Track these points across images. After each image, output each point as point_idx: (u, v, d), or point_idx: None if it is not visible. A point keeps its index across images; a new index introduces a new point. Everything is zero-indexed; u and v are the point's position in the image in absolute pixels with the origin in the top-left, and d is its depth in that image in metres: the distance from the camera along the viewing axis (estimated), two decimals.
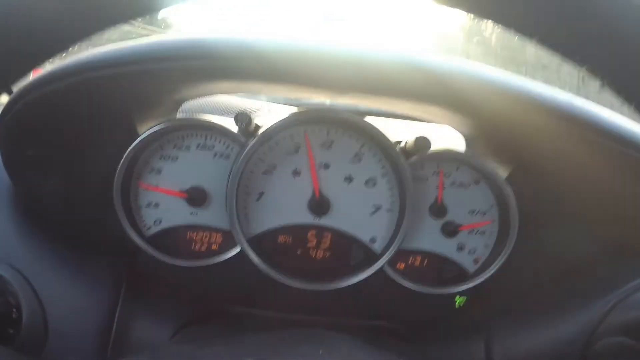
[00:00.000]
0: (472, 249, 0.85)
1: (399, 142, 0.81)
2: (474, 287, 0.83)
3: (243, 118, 0.74)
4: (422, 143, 0.75)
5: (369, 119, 0.81)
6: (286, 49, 0.64)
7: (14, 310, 0.78)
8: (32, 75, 0.69)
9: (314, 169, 0.80)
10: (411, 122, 1.08)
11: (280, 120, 0.76)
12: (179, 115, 0.88)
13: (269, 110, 1.01)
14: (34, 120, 0.72)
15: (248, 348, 0.55)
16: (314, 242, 0.83)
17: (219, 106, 0.96)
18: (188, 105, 0.93)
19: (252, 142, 0.76)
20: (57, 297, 0.79)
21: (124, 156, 0.77)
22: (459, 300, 0.86)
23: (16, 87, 0.74)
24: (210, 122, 0.78)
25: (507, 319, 0.85)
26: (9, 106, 0.69)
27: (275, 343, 0.57)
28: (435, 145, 0.81)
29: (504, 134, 0.77)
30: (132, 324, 0.82)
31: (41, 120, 0.72)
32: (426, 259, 0.85)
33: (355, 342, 0.58)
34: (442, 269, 0.86)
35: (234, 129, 0.78)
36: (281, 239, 0.82)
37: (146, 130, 0.77)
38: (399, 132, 0.91)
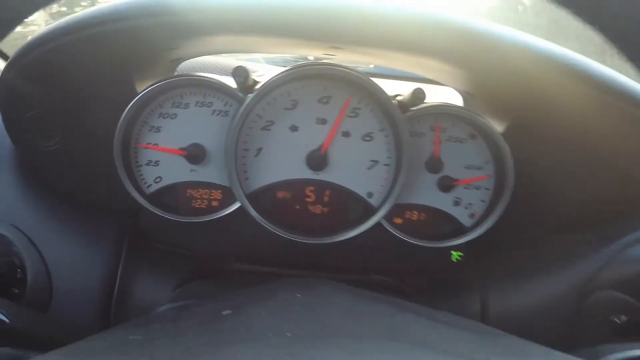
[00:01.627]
0: (468, 204, 0.86)
1: (396, 95, 0.81)
2: (470, 241, 0.85)
3: (241, 72, 0.74)
4: (418, 95, 0.76)
5: None
6: (286, 2, 0.64)
7: (19, 270, 0.80)
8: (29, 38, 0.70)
9: (337, 126, 0.81)
10: (406, 82, 1.08)
11: (277, 75, 0.77)
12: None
13: (266, 71, 1.01)
14: (33, 82, 0.73)
15: (228, 302, 0.56)
16: (313, 197, 0.84)
17: (216, 67, 0.97)
18: (185, 65, 0.94)
19: (250, 98, 0.77)
20: (60, 257, 0.80)
21: (123, 114, 0.78)
22: (455, 255, 0.88)
23: (12, 50, 0.74)
24: (209, 79, 0.79)
25: (503, 274, 0.87)
26: (7, 69, 0.70)
27: (255, 294, 0.58)
28: (432, 102, 0.82)
29: (501, 89, 0.78)
30: (134, 281, 0.83)
31: (40, 81, 0.73)
32: (423, 213, 0.86)
33: (330, 282, 0.60)
34: (439, 224, 0.87)
35: (233, 85, 0.79)
36: (280, 194, 0.84)
37: (145, 88, 0.78)
38: (394, 90, 0.91)
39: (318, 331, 0.45)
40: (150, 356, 0.42)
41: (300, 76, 0.78)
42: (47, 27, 0.69)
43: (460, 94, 0.90)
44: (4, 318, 0.65)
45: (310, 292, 0.57)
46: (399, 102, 0.79)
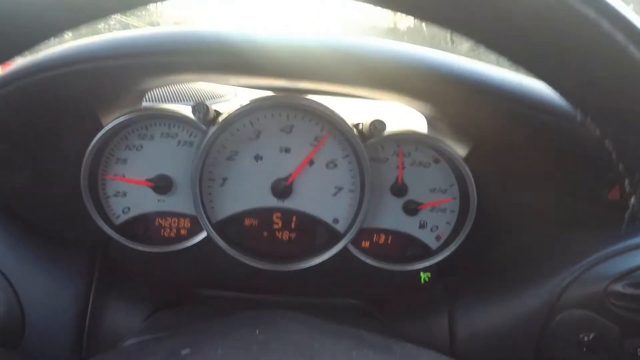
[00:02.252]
0: (434, 227, 0.87)
1: (359, 124, 0.82)
2: (438, 263, 0.86)
3: (200, 109, 0.76)
4: (377, 127, 0.77)
5: (330, 99, 0.83)
6: (245, 42, 0.65)
7: None
8: None
9: (308, 160, 0.82)
10: (374, 101, 1.09)
11: (239, 108, 0.78)
12: (144, 103, 0.89)
13: (235, 94, 1.02)
14: (0, 118, 0.73)
15: (189, 339, 0.57)
16: (279, 224, 0.85)
17: (184, 92, 0.98)
18: (153, 92, 0.95)
19: (212, 130, 0.78)
20: (32, 289, 0.81)
21: (89, 148, 0.78)
22: (423, 277, 0.89)
23: None
24: (172, 111, 0.80)
25: (471, 294, 0.88)
26: None
27: (214, 331, 0.59)
28: (396, 125, 0.83)
29: (460, 117, 0.79)
30: (105, 313, 0.84)
31: (6, 118, 0.74)
32: (390, 237, 0.87)
33: (294, 316, 0.61)
34: (406, 247, 0.88)
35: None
36: (247, 222, 0.85)
37: (110, 121, 0.79)
38: (361, 110, 0.92)
39: None
40: None
41: (262, 107, 0.79)
42: (16, 65, 0.70)
43: (425, 117, 0.91)
44: None
45: (269, 329, 0.58)
46: (360, 131, 0.80)
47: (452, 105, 0.75)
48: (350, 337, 0.58)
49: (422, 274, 0.89)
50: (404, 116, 0.93)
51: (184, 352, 0.52)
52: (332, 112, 0.78)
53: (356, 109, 0.95)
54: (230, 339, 0.54)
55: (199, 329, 0.60)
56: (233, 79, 0.85)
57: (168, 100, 0.95)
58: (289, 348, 0.52)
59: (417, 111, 0.89)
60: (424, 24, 0.33)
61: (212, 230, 0.81)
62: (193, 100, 0.94)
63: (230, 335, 0.55)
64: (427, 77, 0.67)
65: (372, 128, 0.77)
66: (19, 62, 0.70)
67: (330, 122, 0.80)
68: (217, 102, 0.97)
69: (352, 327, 0.62)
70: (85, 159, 0.79)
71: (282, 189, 0.81)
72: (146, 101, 0.91)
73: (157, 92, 0.94)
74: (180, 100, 0.95)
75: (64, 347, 0.80)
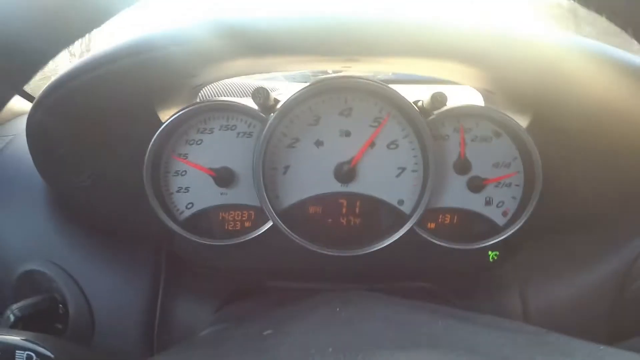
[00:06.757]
0: (499, 202, 0.85)
1: (418, 101, 0.81)
2: (505, 240, 0.84)
3: (260, 93, 0.75)
4: (439, 98, 0.76)
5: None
6: (302, 21, 0.65)
7: (60, 305, 0.81)
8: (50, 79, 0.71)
9: (371, 140, 0.81)
10: (426, 86, 1.08)
11: (298, 92, 0.78)
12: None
13: (285, 89, 1.02)
14: (60, 120, 0.74)
15: (269, 322, 0.56)
16: (344, 209, 0.84)
17: (236, 89, 0.98)
18: (206, 92, 0.95)
19: (272, 117, 0.78)
20: (100, 288, 0.82)
21: (151, 144, 0.79)
22: (492, 255, 0.87)
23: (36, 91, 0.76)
24: (231, 102, 0.80)
25: (541, 270, 0.86)
26: (34, 109, 0.71)
27: (295, 312, 0.58)
28: (453, 104, 0.82)
29: (522, 83, 0.77)
30: (174, 307, 0.84)
31: (66, 119, 0.75)
32: (456, 216, 0.86)
33: (370, 294, 0.60)
34: (472, 225, 0.86)
35: (254, 106, 0.80)
36: (311, 209, 0.84)
37: (169, 117, 0.79)
38: (414, 96, 0.92)
39: (359, 344, 0.45)
40: None
41: (320, 91, 0.79)
42: (71, 65, 0.70)
43: (480, 92, 0.90)
44: (48, 354, 0.66)
45: (349, 306, 0.57)
46: (420, 107, 0.79)
47: (515, 69, 0.73)
48: (431, 310, 0.56)
49: (490, 252, 0.87)
50: (460, 96, 0.92)
51: (266, 332, 0.51)
52: (392, 90, 0.77)
53: (410, 93, 0.94)
54: (312, 318, 0.53)
55: (278, 312, 0.59)
56: (285, 64, 0.85)
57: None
58: (375, 322, 0.51)
59: (472, 87, 0.88)
60: None
61: (279, 220, 0.80)
62: (245, 96, 0.94)
63: (312, 315, 0.54)
64: (490, 39, 0.65)
65: (434, 100, 0.76)
66: (69, 65, 0.70)
67: (390, 101, 0.79)
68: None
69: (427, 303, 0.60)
70: (147, 155, 0.79)
71: (345, 172, 0.80)
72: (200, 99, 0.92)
73: (210, 90, 0.95)
74: (233, 96, 0.95)
75: (136, 341, 0.81)
